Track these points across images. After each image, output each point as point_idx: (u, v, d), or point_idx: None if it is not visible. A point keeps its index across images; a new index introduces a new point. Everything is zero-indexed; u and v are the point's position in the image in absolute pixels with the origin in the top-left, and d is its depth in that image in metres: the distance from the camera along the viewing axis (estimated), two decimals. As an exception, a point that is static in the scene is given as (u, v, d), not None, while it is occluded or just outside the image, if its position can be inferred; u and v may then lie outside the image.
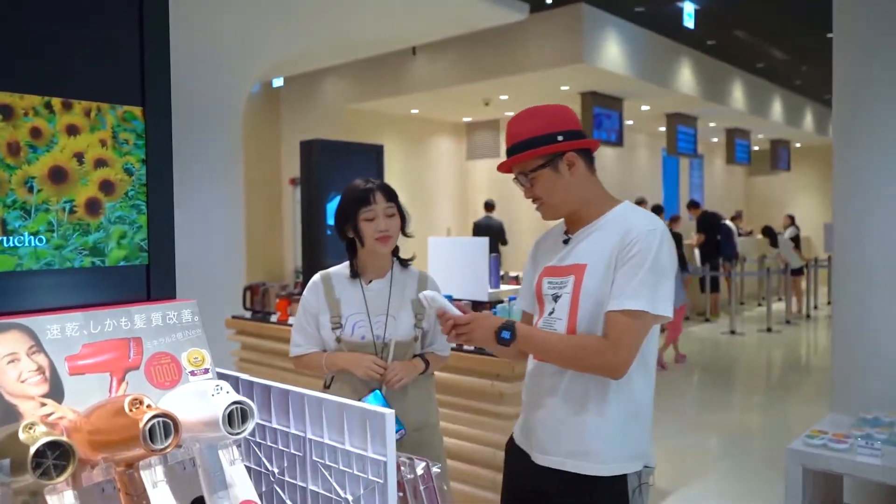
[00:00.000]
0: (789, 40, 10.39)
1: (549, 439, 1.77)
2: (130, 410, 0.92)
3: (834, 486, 2.97)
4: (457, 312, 1.76)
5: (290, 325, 4.36)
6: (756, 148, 17.07)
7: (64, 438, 0.85)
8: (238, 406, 0.99)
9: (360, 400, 2.13)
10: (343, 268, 2.40)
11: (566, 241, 1.82)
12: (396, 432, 2.15)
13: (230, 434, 0.98)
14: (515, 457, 1.90)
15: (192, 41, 5.65)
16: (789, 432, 5.51)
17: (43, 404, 1.00)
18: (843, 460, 2.49)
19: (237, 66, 6.17)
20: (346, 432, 1.17)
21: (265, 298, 4.83)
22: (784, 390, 7.12)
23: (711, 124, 14.30)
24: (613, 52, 9.27)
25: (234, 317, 4.87)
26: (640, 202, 11.20)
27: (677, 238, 10.26)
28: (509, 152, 1.78)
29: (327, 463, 1.20)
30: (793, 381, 7.67)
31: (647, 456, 1.75)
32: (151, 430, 0.90)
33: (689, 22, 8.63)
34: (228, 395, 1.00)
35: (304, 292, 2.42)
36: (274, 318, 4.57)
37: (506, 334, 1.68)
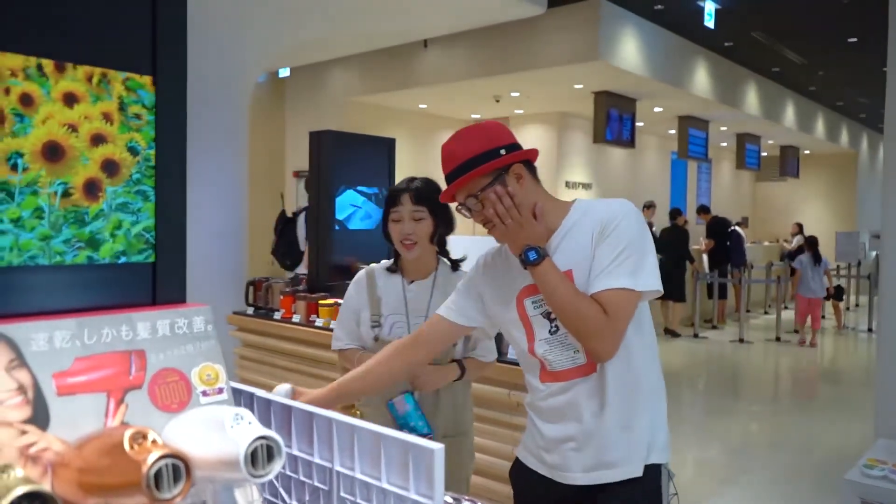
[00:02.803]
0: (807, 43, 10.15)
1: (581, 455, 1.66)
2: (131, 447, 0.74)
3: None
4: None
5: (295, 323, 4.25)
6: (764, 154, 16.87)
7: (45, 489, 0.66)
8: (263, 442, 0.80)
9: (389, 400, 2.14)
10: (388, 263, 2.35)
11: None
12: (425, 435, 2.07)
13: (253, 476, 0.79)
14: (529, 483, 1.77)
15: (201, 25, 5.45)
16: (803, 445, 5.34)
17: (24, 432, 0.82)
18: (906, 494, 2.29)
19: (248, 52, 5.98)
20: (384, 466, 0.99)
21: (269, 294, 4.65)
22: (811, 403, 6.98)
23: (723, 128, 14.08)
24: (630, 50, 9.06)
25: (235, 312, 4.68)
26: (649, 206, 11.02)
27: (683, 234, 10.06)
28: (450, 178, 1.66)
29: (358, 501, 1.02)
30: (809, 392, 7.52)
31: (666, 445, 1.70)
32: (157, 474, 0.71)
33: (709, 22, 8.41)
34: (251, 428, 0.82)
35: (349, 286, 2.38)
36: (278, 316, 4.40)
37: (533, 255, 1.58)
